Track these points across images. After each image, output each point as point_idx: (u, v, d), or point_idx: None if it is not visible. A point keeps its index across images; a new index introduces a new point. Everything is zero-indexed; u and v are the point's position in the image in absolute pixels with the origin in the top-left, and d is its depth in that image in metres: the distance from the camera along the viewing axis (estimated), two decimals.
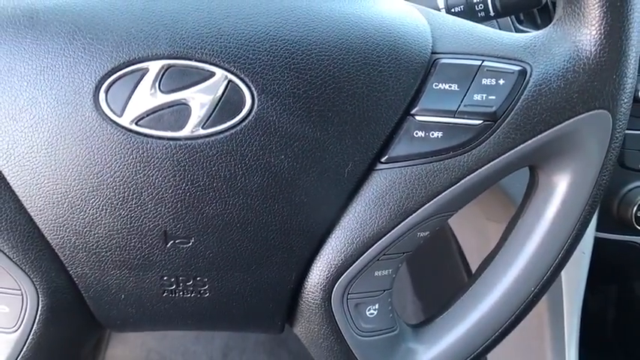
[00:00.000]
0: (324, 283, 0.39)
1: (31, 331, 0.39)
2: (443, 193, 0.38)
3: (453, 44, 0.37)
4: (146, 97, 0.34)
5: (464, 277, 0.88)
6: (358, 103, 0.35)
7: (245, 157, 0.35)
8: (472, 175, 0.38)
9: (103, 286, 0.38)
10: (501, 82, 0.37)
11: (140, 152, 0.34)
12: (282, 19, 0.35)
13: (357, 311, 0.40)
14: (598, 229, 0.62)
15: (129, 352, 1.12)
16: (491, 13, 0.46)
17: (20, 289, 0.38)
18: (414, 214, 0.38)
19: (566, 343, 0.65)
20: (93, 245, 0.36)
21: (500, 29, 0.46)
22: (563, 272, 0.44)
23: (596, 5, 0.36)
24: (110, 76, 0.34)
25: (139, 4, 0.35)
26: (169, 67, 0.34)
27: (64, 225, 0.36)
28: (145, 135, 0.34)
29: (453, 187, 0.38)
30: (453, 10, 0.46)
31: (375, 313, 0.41)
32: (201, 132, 0.34)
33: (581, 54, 0.37)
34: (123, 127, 0.34)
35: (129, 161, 0.34)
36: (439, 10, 0.46)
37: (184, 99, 0.34)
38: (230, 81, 0.34)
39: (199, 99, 0.34)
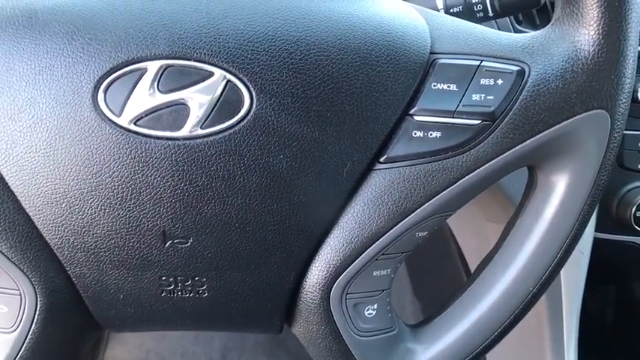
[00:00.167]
0: (323, 282, 0.39)
1: (29, 331, 0.39)
2: (441, 193, 0.38)
3: (451, 44, 0.37)
4: (145, 97, 0.34)
5: (463, 277, 0.88)
6: (357, 103, 0.35)
7: (244, 157, 0.35)
8: (471, 175, 0.38)
9: (102, 286, 0.38)
10: (500, 82, 0.37)
11: (139, 152, 0.34)
12: (280, 19, 0.35)
13: (355, 311, 0.40)
14: (597, 229, 0.62)
15: (127, 352, 1.12)
16: (490, 14, 0.46)
17: (19, 289, 0.38)
18: (412, 214, 0.38)
19: (565, 343, 0.65)
20: (91, 245, 0.36)
21: (499, 29, 0.46)
22: (562, 272, 0.44)
23: (594, 5, 0.36)
24: (109, 76, 0.34)
25: (138, 5, 0.35)
26: (168, 67, 0.34)
27: (63, 225, 0.36)
28: (144, 135, 0.34)
29: (451, 187, 0.38)
30: (451, 10, 0.46)
31: (374, 313, 0.41)
32: (200, 132, 0.34)
33: (580, 54, 0.37)
34: (121, 127, 0.34)
35: (127, 161, 0.34)
36: (438, 10, 0.46)
37: (183, 99, 0.34)
38: (229, 81, 0.34)
39: (198, 99, 0.34)
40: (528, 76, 0.37)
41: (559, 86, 0.37)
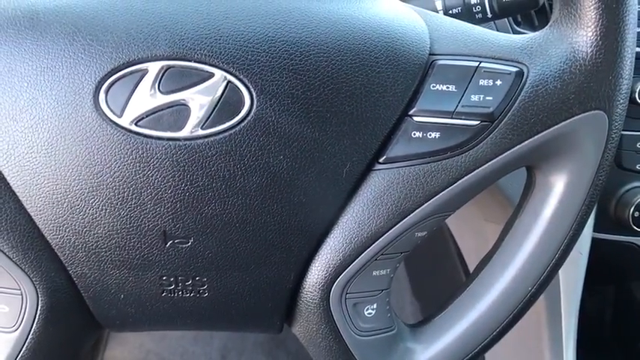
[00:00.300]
0: (323, 282, 0.39)
1: (30, 330, 0.39)
2: (440, 194, 0.38)
3: (450, 46, 0.37)
4: (146, 97, 0.34)
5: (462, 277, 0.88)
6: (356, 104, 0.36)
7: (244, 157, 0.35)
8: (469, 175, 0.38)
9: (103, 285, 0.38)
10: (498, 83, 0.37)
11: (140, 152, 0.34)
12: (280, 21, 0.35)
13: (355, 311, 0.40)
14: (595, 229, 0.62)
15: (127, 353, 1.12)
16: (489, 15, 0.47)
17: (20, 289, 0.38)
18: (411, 214, 0.38)
19: (564, 343, 0.65)
20: (92, 245, 0.37)
21: (497, 31, 0.46)
22: (560, 272, 0.44)
23: (592, 7, 0.37)
24: (110, 76, 0.34)
25: (139, 6, 0.35)
26: (169, 67, 0.34)
27: (64, 225, 0.36)
28: (145, 135, 0.34)
29: (450, 188, 0.38)
30: (450, 11, 0.46)
31: (373, 312, 0.41)
32: (201, 132, 0.34)
33: (578, 55, 0.37)
34: (122, 128, 0.34)
35: (128, 161, 0.35)
36: (437, 11, 0.47)
37: (184, 100, 0.34)
38: (229, 82, 0.34)
39: (198, 100, 0.34)
40: (527, 77, 0.37)
41: (557, 87, 0.37)
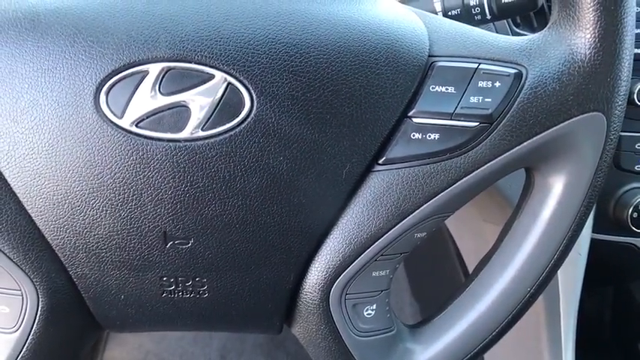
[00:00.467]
0: (322, 283, 0.39)
1: (30, 331, 0.39)
2: (440, 195, 0.38)
3: (449, 47, 0.37)
4: (146, 99, 0.34)
5: (461, 278, 0.88)
6: (356, 106, 0.36)
7: (244, 158, 0.35)
8: (469, 176, 0.38)
9: (103, 286, 0.38)
10: (497, 84, 0.37)
11: (140, 154, 0.35)
12: (280, 23, 0.35)
13: (354, 311, 0.40)
14: (594, 230, 0.62)
15: (126, 354, 1.12)
16: (488, 17, 0.47)
17: (20, 290, 0.38)
18: (411, 215, 0.38)
19: (563, 344, 0.65)
20: (93, 246, 0.37)
21: (497, 32, 0.46)
22: (559, 273, 0.45)
23: (590, 9, 0.37)
24: (111, 78, 0.34)
25: (139, 7, 0.35)
26: (169, 69, 0.34)
27: (65, 226, 0.36)
28: (145, 137, 0.34)
29: (449, 189, 0.38)
30: (449, 13, 0.47)
31: (373, 313, 0.41)
32: (201, 134, 0.35)
33: (576, 57, 0.37)
34: (123, 129, 0.34)
35: (129, 163, 0.35)
36: (436, 13, 0.47)
37: (184, 101, 0.34)
38: (229, 83, 0.34)
39: (199, 101, 0.34)
40: (525, 79, 0.37)
41: (556, 89, 0.37)
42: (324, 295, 0.39)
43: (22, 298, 0.38)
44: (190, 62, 0.34)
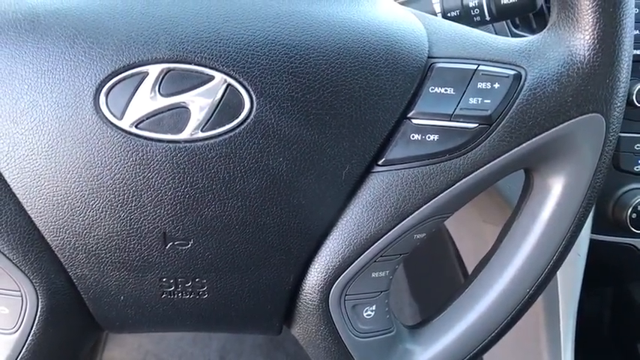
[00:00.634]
0: (322, 284, 0.39)
1: (30, 332, 0.39)
2: (439, 196, 0.38)
3: (449, 48, 0.38)
4: (146, 100, 0.34)
5: (461, 279, 0.88)
6: (355, 107, 0.36)
7: (244, 159, 0.35)
8: (468, 177, 0.38)
9: (103, 287, 0.38)
10: (496, 86, 0.37)
11: (140, 155, 0.35)
12: (280, 24, 0.35)
13: (354, 312, 0.40)
14: (593, 231, 0.62)
15: (126, 354, 1.12)
16: (487, 18, 0.47)
17: (20, 291, 0.38)
18: (410, 216, 0.38)
19: (562, 345, 0.65)
20: (92, 247, 0.37)
21: (496, 34, 0.46)
22: (559, 274, 0.45)
23: (589, 10, 0.37)
24: (110, 79, 0.34)
25: (139, 9, 0.35)
26: (169, 70, 0.34)
27: (64, 227, 0.36)
28: (145, 138, 0.34)
29: (449, 190, 0.38)
30: (449, 14, 0.47)
31: (372, 314, 0.41)
32: (201, 135, 0.35)
33: (575, 58, 0.38)
34: (123, 130, 0.34)
35: (129, 164, 0.35)
36: (435, 14, 0.47)
37: (184, 102, 0.34)
38: (229, 84, 0.34)
39: (199, 102, 0.34)
40: (525, 80, 0.37)
41: (555, 90, 0.37)
42: (323, 295, 0.39)
43: (22, 299, 0.38)
44: (190, 63, 0.34)
